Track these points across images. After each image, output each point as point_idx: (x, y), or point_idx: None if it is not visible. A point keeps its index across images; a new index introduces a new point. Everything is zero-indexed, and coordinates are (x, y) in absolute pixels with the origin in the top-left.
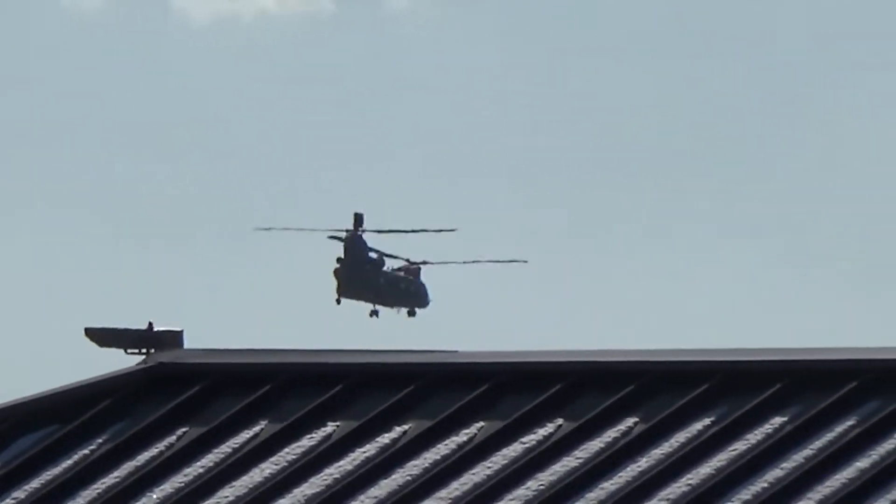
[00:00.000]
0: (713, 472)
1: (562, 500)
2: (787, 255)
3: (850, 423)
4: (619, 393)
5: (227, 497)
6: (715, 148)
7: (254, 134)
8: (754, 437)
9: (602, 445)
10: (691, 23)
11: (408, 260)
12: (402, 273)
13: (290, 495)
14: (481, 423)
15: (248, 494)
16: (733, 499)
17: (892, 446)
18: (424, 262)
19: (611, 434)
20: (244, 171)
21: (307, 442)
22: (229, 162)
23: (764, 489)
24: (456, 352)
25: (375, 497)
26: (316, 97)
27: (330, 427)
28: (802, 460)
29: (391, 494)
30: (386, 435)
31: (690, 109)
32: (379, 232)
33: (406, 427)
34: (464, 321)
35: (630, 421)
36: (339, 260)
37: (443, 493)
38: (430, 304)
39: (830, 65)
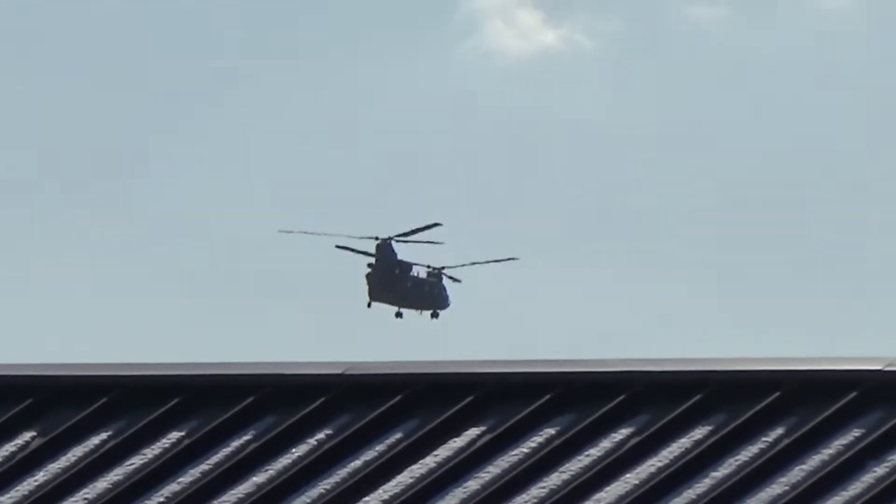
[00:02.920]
0: (275, 473)
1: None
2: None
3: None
4: (166, 405)
5: None
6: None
7: None
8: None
9: (156, 453)
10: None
11: (429, 265)
12: (426, 277)
13: None
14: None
15: None
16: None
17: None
18: (444, 268)
19: (157, 448)
20: None
21: None
22: None
23: None
24: None
25: None
26: None
27: None
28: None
29: None
30: None
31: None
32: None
33: None
34: None
35: (175, 436)
36: (370, 266)
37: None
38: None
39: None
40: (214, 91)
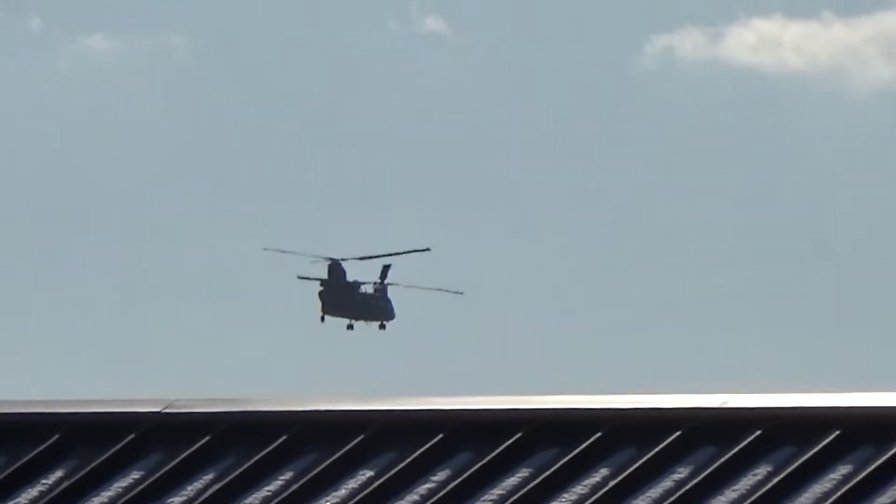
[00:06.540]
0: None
1: None
2: None
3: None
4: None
5: None
6: None
7: None
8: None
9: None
10: None
11: (376, 281)
12: (373, 292)
13: None
14: None
15: None
16: None
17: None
18: (391, 283)
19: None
20: None
21: None
22: None
23: None
24: None
25: None
26: None
27: None
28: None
29: None
30: None
31: None
32: (361, 259)
33: None
34: None
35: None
36: (322, 283)
37: None
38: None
39: None
40: None
